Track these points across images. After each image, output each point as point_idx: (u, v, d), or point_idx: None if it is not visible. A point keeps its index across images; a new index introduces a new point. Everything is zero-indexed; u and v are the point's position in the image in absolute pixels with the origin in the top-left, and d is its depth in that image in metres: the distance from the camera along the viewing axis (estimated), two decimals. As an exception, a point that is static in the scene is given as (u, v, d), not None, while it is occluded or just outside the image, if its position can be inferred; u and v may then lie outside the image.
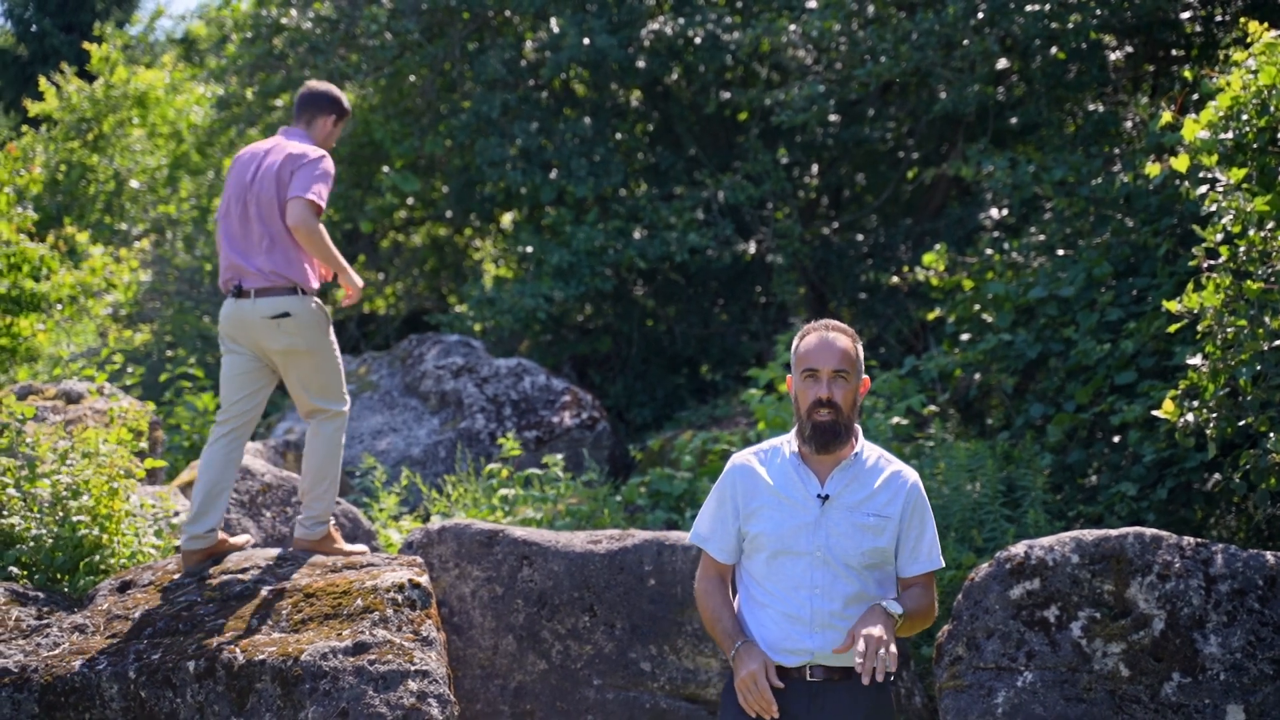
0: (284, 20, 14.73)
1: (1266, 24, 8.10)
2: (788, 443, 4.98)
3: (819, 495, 4.84)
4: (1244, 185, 7.61)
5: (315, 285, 7.19)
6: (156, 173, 18.10)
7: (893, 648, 4.62)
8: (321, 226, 7.04)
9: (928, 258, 11.22)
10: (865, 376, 4.95)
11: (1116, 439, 9.71)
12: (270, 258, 7.05)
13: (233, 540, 7.22)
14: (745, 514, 4.91)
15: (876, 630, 4.61)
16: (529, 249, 13.91)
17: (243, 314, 7.06)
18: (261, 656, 6.13)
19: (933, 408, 11.07)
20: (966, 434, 10.97)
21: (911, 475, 4.96)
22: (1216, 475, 8.60)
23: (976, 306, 10.80)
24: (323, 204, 7.04)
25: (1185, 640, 6.75)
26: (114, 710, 6.05)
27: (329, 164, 7.19)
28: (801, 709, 4.79)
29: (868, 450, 4.96)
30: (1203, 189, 8.00)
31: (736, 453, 5.09)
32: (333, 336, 7.28)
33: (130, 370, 12.39)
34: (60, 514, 7.17)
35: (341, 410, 7.30)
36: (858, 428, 4.95)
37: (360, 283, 7.37)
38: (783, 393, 11.20)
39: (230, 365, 7.18)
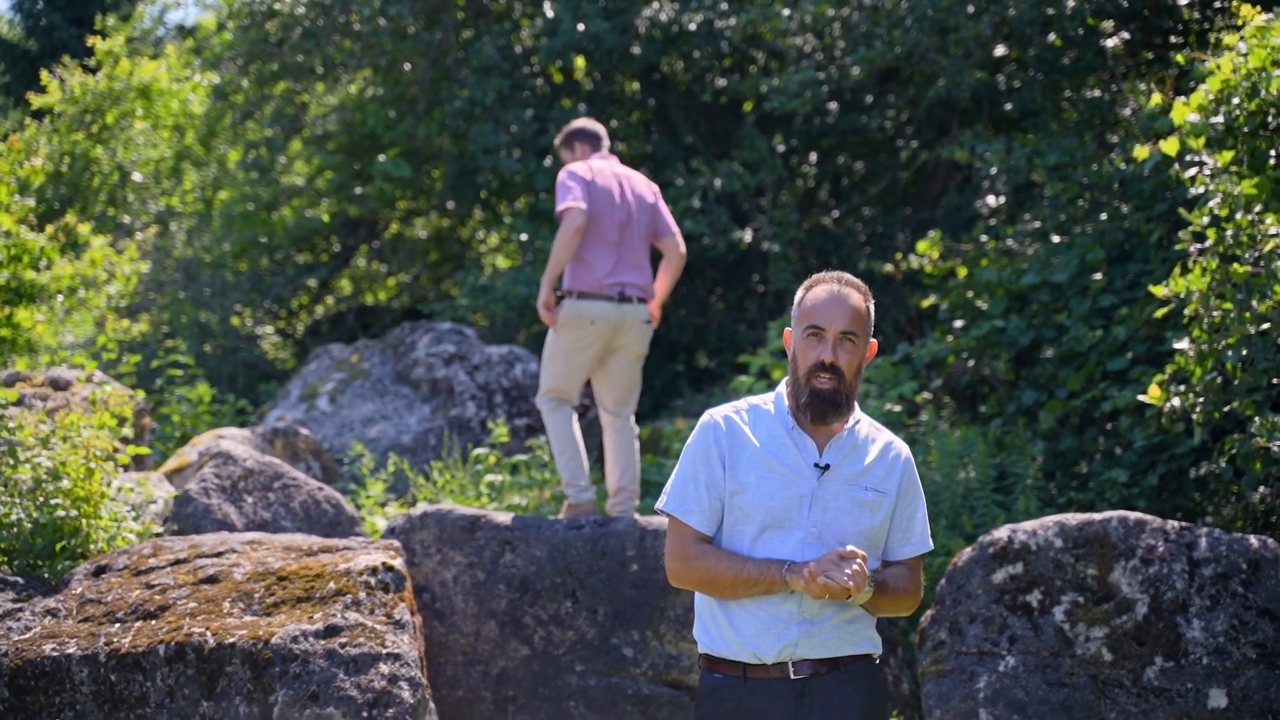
0: (277, 5, 14.70)
1: (1259, 6, 8.04)
2: (772, 403, 4.37)
3: (817, 464, 4.26)
4: (1232, 168, 7.55)
5: None
6: (160, 165, 18.11)
7: (861, 576, 4.10)
8: None
9: (922, 245, 11.18)
10: (873, 340, 4.36)
11: (1109, 426, 9.67)
12: (645, 274, 8.27)
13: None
14: (731, 478, 4.27)
15: (860, 574, 4.10)
16: (524, 237, 13.89)
17: (625, 316, 8.16)
18: (232, 640, 6.10)
19: (926, 395, 11.03)
20: (959, 421, 10.93)
21: (904, 448, 4.42)
22: (1212, 465, 8.55)
23: (970, 293, 10.76)
24: None
25: (1168, 624, 6.71)
26: (84, 694, 6.03)
27: None
28: (787, 711, 4.23)
29: (861, 419, 4.40)
30: (1191, 172, 7.95)
31: (710, 409, 4.41)
32: None
33: (124, 359, 12.38)
34: (40, 498, 7.14)
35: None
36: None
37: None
38: (777, 379, 11.15)
39: (591, 357, 8.20)
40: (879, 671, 4.38)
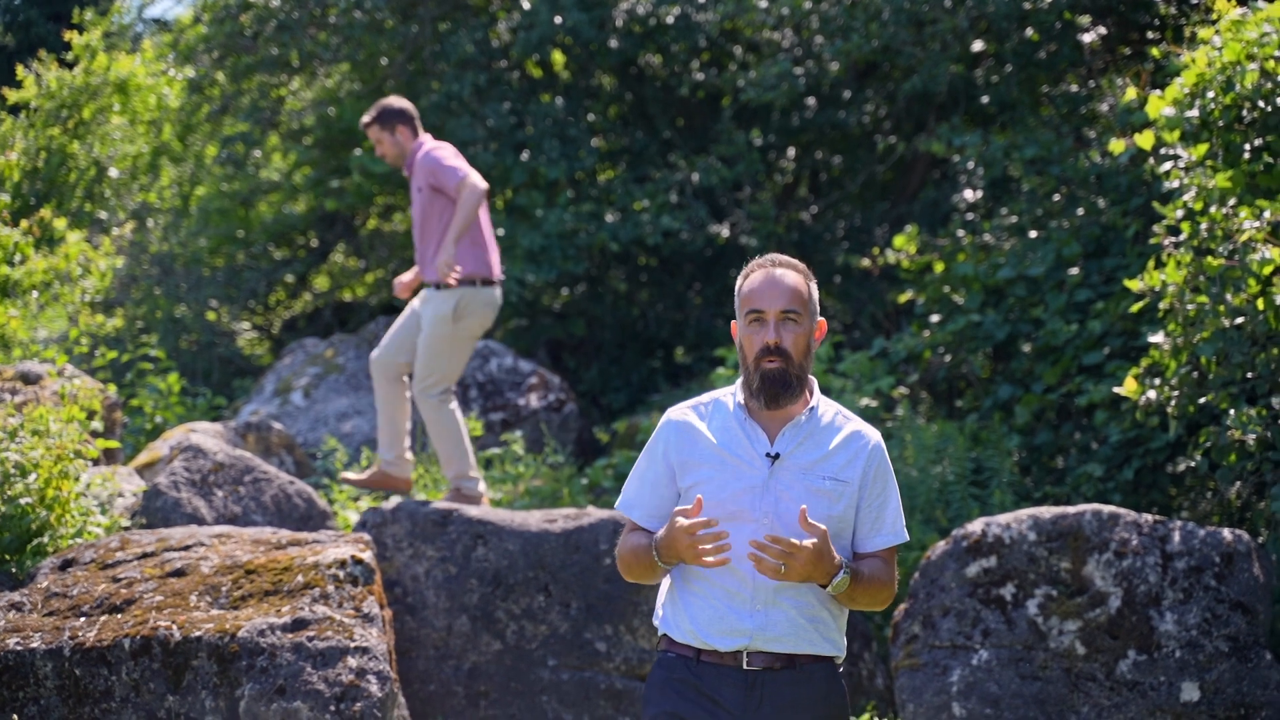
0: (251, -2, 14.66)
1: (1233, 0, 8.03)
2: (732, 395, 4.31)
3: (768, 454, 4.17)
4: (1207, 162, 7.55)
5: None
6: (137, 160, 18.02)
7: (798, 560, 3.96)
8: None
9: (899, 240, 11.17)
10: (821, 319, 4.28)
11: (1084, 420, 9.66)
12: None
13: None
14: (682, 476, 4.23)
15: (805, 556, 3.96)
16: (501, 231, 13.85)
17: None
18: (198, 633, 6.05)
19: (902, 389, 11.01)
20: (936, 416, 10.91)
21: (873, 435, 4.28)
22: (1188, 459, 8.54)
23: (946, 288, 10.74)
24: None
25: (1141, 618, 6.70)
26: (48, 688, 5.98)
27: None
28: (736, 700, 4.14)
29: (824, 406, 4.28)
30: (1166, 166, 7.94)
31: (672, 407, 4.39)
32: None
33: (99, 354, 12.32)
34: (7, 493, 7.08)
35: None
36: (813, 380, 4.30)
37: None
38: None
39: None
40: (839, 677, 4.25)
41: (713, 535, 4.00)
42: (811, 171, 15.85)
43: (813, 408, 4.23)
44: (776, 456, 4.16)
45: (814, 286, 4.26)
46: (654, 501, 4.28)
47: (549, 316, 15.03)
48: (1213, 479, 8.24)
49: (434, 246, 8.18)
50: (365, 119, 8.38)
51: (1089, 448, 9.46)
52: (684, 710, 4.16)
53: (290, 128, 16.39)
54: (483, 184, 8.11)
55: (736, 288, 4.27)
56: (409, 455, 8.37)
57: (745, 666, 4.14)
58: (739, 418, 4.22)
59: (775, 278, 4.19)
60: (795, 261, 4.26)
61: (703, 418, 4.27)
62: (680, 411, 4.32)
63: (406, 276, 8.58)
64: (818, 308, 4.27)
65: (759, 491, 4.14)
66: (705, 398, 4.34)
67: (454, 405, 8.30)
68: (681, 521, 4.01)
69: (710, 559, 4.01)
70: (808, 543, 3.97)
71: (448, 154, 8.26)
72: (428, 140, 8.37)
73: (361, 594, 6.42)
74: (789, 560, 3.96)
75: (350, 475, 8.43)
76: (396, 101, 8.37)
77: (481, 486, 8.32)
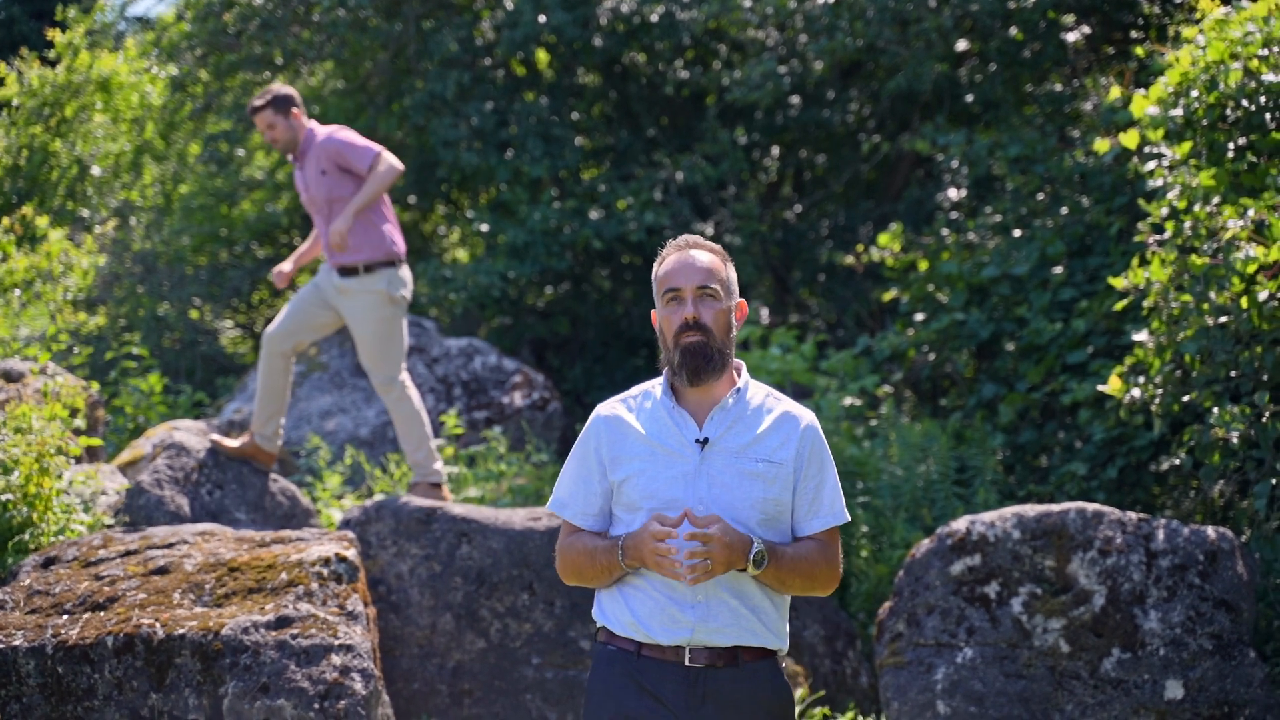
0: (235, -5, 14.63)
1: (1217, 0, 8.05)
2: (660, 384, 4.24)
3: (696, 440, 4.12)
4: (1191, 160, 7.56)
5: None
6: (119, 158, 17.97)
7: (715, 549, 3.95)
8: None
9: (883, 238, 11.18)
10: (741, 300, 4.25)
11: (1068, 419, 9.67)
12: None
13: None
14: (613, 471, 4.17)
15: (717, 544, 3.95)
16: (484, 227, 13.84)
17: None
18: (181, 631, 6.03)
19: (886, 388, 11.01)
20: (920, 414, 10.92)
21: (806, 415, 4.22)
22: (1171, 458, 8.55)
23: (930, 286, 10.75)
24: None
25: (1125, 616, 6.70)
26: (31, 686, 5.95)
27: None
28: (679, 697, 4.08)
29: (753, 389, 4.23)
30: (1150, 165, 7.96)
31: (601, 403, 4.33)
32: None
33: (77, 351, 12.28)
34: (-11, 491, 7.05)
35: None
36: (741, 364, 4.27)
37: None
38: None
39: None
40: (781, 673, 4.20)
41: (683, 551, 3.96)
42: (796, 170, 15.86)
43: (740, 390, 4.18)
44: (705, 441, 4.11)
45: (731, 267, 4.24)
46: (586, 499, 4.24)
47: (533, 315, 15.01)
48: (1196, 478, 8.25)
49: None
50: (256, 103, 8.31)
51: (1073, 447, 9.47)
52: (630, 710, 4.11)
53: (274, 126, 16.33)
54: (399, 162, 8.24)
55: (653, 275, 4.24)
56: (280, 433, 8.34)
57: (688, 663, 4.09)
58: (666, 405, 4.17)
59: (689, 258, 4.17)
60: (710, 242, 4.23)
61: (631, 410, 4.22)
62: (609, 406, 4.27)
63: (286, 266, 8.54)
64: (736, 288, 4.24)
65: (690, 479, 4.10)
66: (635, 390, 4.29)
67: (412, 387, 8.37)
68: (654, 526, 3.98)
69: (686, 577, 3.97)
70: (712, 529, 3.96)
71: (353, 134, 8.30)
72: (315, 124, 8.38)
73: (345, 592, 6.41)
74: (710, 553, 3.95)
75: (222, 440, 8.25)
76: (284, 87, 8.38)
77: (442, 472, 8.42)
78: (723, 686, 4.09)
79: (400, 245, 8.28)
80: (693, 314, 4.10)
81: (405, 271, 8.29)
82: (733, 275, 4.23)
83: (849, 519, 4.36)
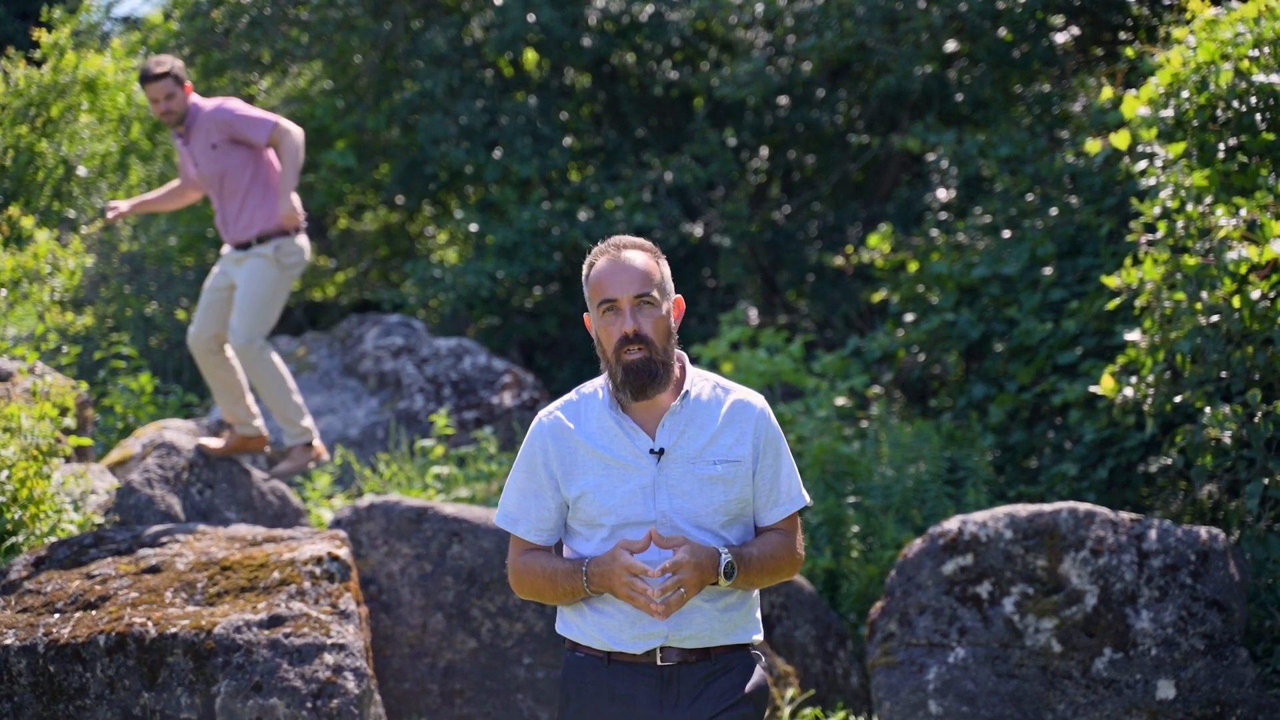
0: (223, -7, 14.63)
1: (1208, 0, 8.06)
2: (602, 388, 4.04)
3: (651, 450, 3.94)
4: (1183, 160, 7.57)
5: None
6: (106, 159, 17.92)
7: (686, 574, 3.80)
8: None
9: (873, 238, 11.18)
10: (678, 296, 4.04)
11: (1058, 420, 9.68)
12: None
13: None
14: (567, 486, 4.00)
15: (688, 569, 3.80)
16: (473, 227, 13.83)
17: None
18: (174, 630, 6.00)
19: (876, 388, 11.02)
20: (910, 415, 10.92)
21: (757, 401, 4.05)
22: (1162, 457, 8.56)
23: (920, 287, 10.75)
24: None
25: (1117, 615, 6.70)
26: (22, 685, 5.92)
27: None
28: (652, 699, 3.97)
29: (697, 383, 4.03)
30: (1142, 164, 7.97)
31: (543, 409, 4.10)
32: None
33: (65, 350, 12.25)
34: (-21, 492, 7.03)
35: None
36: (683, 356, 4.06)
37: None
38: (726, 371, 11.12)
39: None
40: (756, 663, 4.08)
41: (652, 587, 3.81)
42: (785, 171, 15.87)
43: (686, 392, 4.00)
44: (661, 452, 3.96)
45: (664, 264, 4.03)
46: (539, 515, 4.04)
47: (521, 315, 15.01)
48: (1186, 478, 8.27)
49: (238, 202, 8.05)
50: (156, 70, 7.95)
51: (1063, 447, 9.48)
52: (604, 718, 3.99)
53: (261, 125, 16.32)
54: (296, 126, 8.07)
55: (584, 276, 4.02)
56: (255, 411, 8.25)
57: (659, 663, 3.97)
58: (614, 415, 3.98)
59: (622, 262, 3.94)
60: (641, 241, 4.02)
61: (574, 418, 4.02)
62: (550, 415, 4.06)
63: (123, 205, 8.23)
64: (671, 286, 4.04)
65: (649, 492, 3.94)
66: (573, 395, 4.09)
67: (274, 354, 8.19)
68: (625, 559, 3.83)
69: (653, 607, 3.81)
70: (679, 555, 3.82)
71: (241, 104, 8.08)
72: (198, 97, 8.13)
73: (338, 591, 6.39)
74: (682, 580, 3.81)
75: (207, 443, 8.15)
76: (174, 59, 8.14)
77: (312, 429, 8.34)
78: (696, 682, 3.99)
79: (298, 215, 8.06)
80: (632, 327, 3.90)
81: (301, 240, 8.09)
82: (667, 272, 4.03)
83: (809, 501, 4.16)
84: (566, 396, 4.09)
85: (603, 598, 3.97)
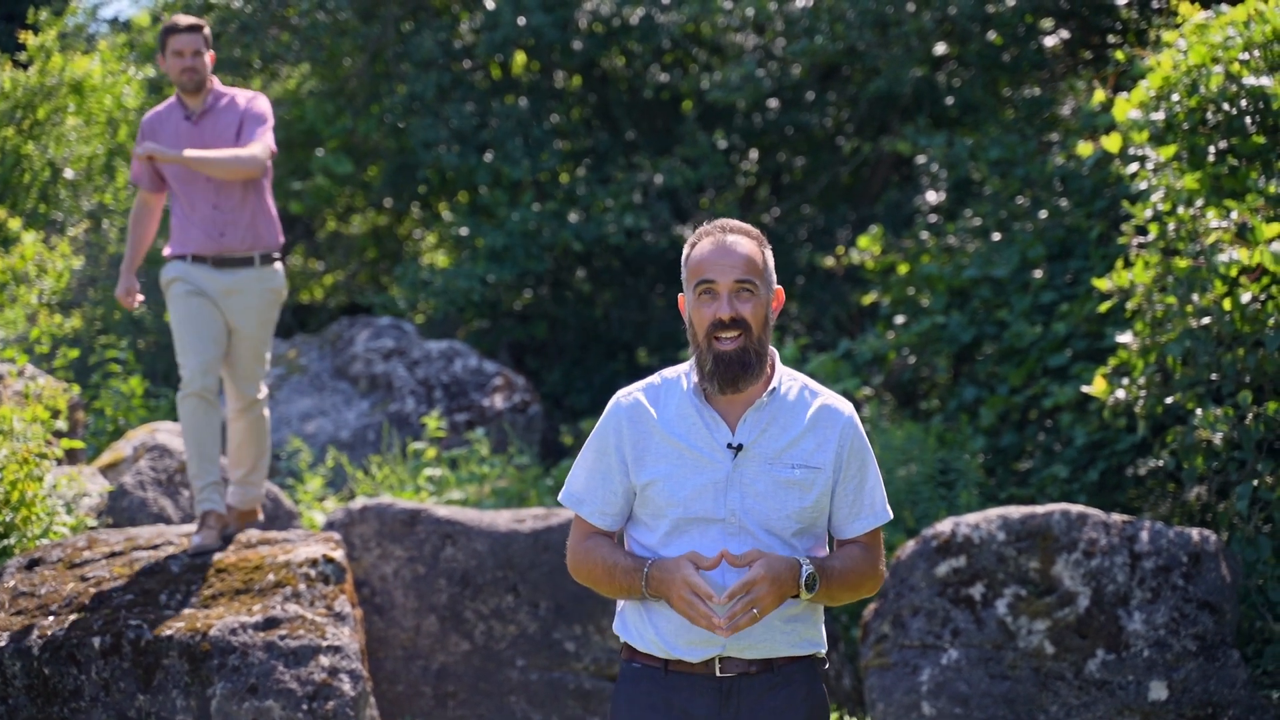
0: (213, -1, 14.62)
1: (1197, 4, 8.09)
2: (686, 374, 3.85)
3: (729, 445, 3.74)
4: (1174, 163, 7.59)
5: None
6: (93, 161, 17.89)
7: (761, 593, 3.60)
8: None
9: (863, 240, 11.20)
10: (778, 287, 3.85)
11: (1049, 422, 9.70)
12: None
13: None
14: (637, 472, 3.80)
15: (764, 585, 3.60)
16: (464, 230, 13.83)
17: None
18: (169, 632, 6.00)
19: (867, 391, 11.03)
20: (901, 417, 10.94)
21: (845, 408, 3.84)
22: (1153, 459, 8.59)
23: (911, 289, 10.77)
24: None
25: (1110, 617, 6.72)
26: (17, 688, 5.92)
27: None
28: (711, 712, 3.76)
29: (786, 381, 3.83)
30: (1133, 167, 7.99)
31: (622, 389, 3.92)
32: (174, 316, 7.07)
33: (59, 354, 12.23)
34: (-29, 494, 7.01)
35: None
36: (774, 353, 3.85)
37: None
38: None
39: None
40: (819, 674, 3.88)
41: (715, 612, 3.60)
42: (774, 173, 15.89)
43: (774, 388, 3.79)
44: (739, 448, 3.75)
45: (769, 253, 3.83)
46: (605, 498, 3.85)
47: (511, 318, 15.01)
48: (1176, 480, 8.29)
49: (237, 203, 7.06)
50: (189, 22, 7.00)
51: (1053, 450, 9.50)
52: None
53: (251, 128, 16.29)
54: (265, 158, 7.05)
55: (684, 256, 3.82)
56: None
57: (719, 674, 3.76)
58: (695, 404, 3.78)
59: (726, 246, 3.74)
60: (747, 226, 3.82)
61: (654, 402, 3.83)
62: (630, 395, 3.86)
63: (134, 284, 7.37)
64: (774, 275, 3.83)
65: (721, 488, 3.74)
66: (656, 378, 3.89)
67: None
68: (689, 574, 3.63)
69: (703, 623, 3.61)
70: (754, 571, 3.62)
71: (266, 106, 7.16)
72: (218, 83, 7.17)
73: (333, 593, 6.39)
74: (755, 600, 3.61)
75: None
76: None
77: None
78: (759, 696, 3.79)
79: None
80: (729, 313, 3.70)
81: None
82: (771, 261, 3.82)
83: (891, 516, 3.94)
84: (649, 378, 3.91)
85: (662, 601, 3.76)
